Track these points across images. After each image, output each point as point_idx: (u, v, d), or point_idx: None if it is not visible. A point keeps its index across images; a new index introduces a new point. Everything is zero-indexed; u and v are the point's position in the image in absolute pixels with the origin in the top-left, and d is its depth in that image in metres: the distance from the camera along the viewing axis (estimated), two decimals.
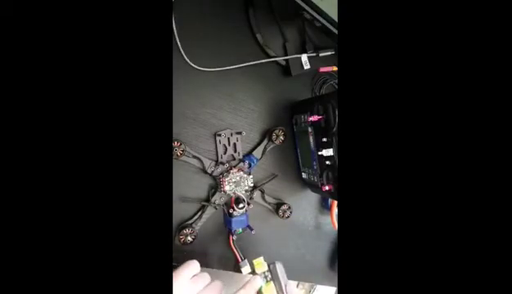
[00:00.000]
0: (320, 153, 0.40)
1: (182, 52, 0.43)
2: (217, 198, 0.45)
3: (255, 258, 0.42)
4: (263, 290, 0.39)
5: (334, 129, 0.37)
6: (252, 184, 0.46)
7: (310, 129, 0.43)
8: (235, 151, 0.46)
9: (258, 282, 0.39)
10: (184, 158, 0.43)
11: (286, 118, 0.49)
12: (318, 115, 0.40)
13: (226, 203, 0.46)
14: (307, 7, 0.44)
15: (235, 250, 0.45)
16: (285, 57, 0.46)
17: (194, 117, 0.44)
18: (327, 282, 0.55)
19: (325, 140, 0.39)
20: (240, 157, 0.46)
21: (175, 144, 0.42)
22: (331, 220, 0.52)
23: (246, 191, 0.46)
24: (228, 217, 0.45)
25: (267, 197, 0.48)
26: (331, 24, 0.45)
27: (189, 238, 0.44)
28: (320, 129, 0.40)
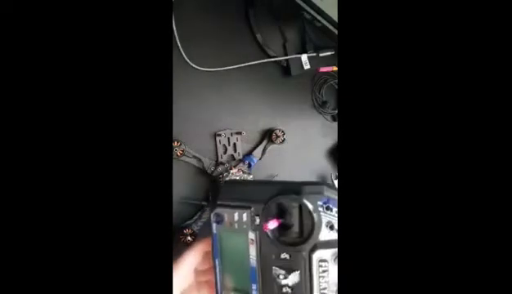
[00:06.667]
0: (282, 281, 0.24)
1: (182, 52, 0.43)
2: None
3: None
4: None
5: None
6: None
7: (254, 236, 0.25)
8: (235, 151, 0.46)
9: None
10: (184, 158, 0.43)
11: (286, 118, 0.49)
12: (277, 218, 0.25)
13: None
14: (307, 7, 0.44)
15: None
16: (285, 57, 0.46)
17: (194, 117, 0.44)
18: None
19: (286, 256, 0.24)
20: (240, 157, 0.46)
21: (175, 144, 0.42)
22: None
23: None
24: None
25: None
26: (331, 24, 0.45)
27: (189, 238, 0.44)
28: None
